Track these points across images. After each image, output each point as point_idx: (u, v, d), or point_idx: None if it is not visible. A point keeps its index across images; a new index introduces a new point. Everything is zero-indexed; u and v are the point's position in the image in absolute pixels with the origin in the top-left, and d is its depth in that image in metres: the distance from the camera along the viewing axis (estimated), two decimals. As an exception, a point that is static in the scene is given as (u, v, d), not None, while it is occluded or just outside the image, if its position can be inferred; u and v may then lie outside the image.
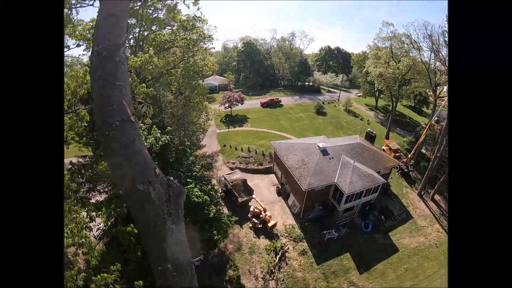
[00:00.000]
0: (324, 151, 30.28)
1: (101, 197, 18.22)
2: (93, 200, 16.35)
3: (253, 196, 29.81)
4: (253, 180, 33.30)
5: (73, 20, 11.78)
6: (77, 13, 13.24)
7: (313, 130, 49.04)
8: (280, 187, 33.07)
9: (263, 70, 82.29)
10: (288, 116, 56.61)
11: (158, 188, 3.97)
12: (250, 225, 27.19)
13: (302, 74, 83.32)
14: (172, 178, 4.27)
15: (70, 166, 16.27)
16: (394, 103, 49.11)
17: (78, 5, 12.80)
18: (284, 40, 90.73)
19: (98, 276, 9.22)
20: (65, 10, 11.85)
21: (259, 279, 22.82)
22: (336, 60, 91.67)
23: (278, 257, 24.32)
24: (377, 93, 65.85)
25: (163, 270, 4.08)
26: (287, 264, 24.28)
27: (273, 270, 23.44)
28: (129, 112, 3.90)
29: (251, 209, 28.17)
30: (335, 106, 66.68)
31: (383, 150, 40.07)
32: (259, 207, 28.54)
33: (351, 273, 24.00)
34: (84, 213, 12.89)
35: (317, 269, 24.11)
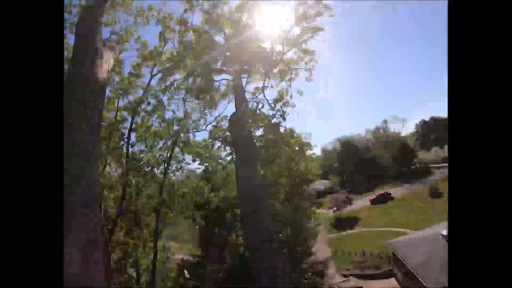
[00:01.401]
0: (450, 239, 24.75)
1: None
2: None
3: None
4: (371, 287, 29.12)
5: (190, 141, 15.88)
6: (194, 136, 17.35)
7: (431, 217, 41.34)
8: None
9: (365, 166, 79.61)
10: (401, 208, 50.48)
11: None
12: None
13: (405, 159, 76.63)
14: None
15: (179, 262, 18.55)
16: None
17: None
18: (378, 130, 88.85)
19: None
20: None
21: None
22: (435, 131, 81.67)
23: None
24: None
25: None
26: None
27: None
28: (273, 236, 4.92)
29: None
30: None
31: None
32: None
33: None
34: None
35: None
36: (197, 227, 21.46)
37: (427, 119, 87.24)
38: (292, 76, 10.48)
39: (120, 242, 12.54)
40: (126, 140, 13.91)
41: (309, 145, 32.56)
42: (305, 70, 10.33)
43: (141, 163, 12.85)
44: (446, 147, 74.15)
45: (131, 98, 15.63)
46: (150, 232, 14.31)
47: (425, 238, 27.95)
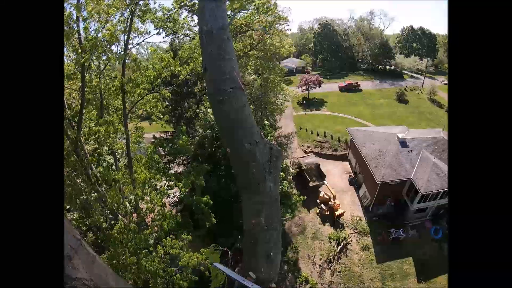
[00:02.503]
0: (403, 143, 27.92)
1: (179, 169, 20.68)
2: (172, 171, 18.72)
3: (325, 182, 29.35)
4: (326, 166, 32.65)
5: (152, 9, 13.36)
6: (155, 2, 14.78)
7: (393, 119, 45.21)
8: (353, 176, 31.96)
9: (341, 52, 78.06)
10: (367, 102, 53.23)
11: (262, 149, 4.40)
12: (318, 211, 27.18)
13: (382, 57, 75.91)
14: (272, 142, 5.07)
15: (152, 140, 19.46)
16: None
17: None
18: (362, 20, 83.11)
19: (168, 239, 10.90)
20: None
21: (317, 265, 22.96)
22: (420, 42, 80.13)
23: (339, 247, 23.98)
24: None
25: (256, 223, 4.54)
26: (347, 256, 23.79)
27: (332, 260, 23.25)
28: (239, 81, 4.36)
29: (321, 194, 27.96)
30: (418, 94, 59.80)
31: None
32: (329, 194, 28.12)
33: (409, 279, 22.19)
34: (164, 182, 15.31)
35: (376, 267, 22.98)
36: (166, 103, 20.95)
37: (416, 27, 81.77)
38: None
39: (91, 132, 11.87)
40: (76, 18, 10.95)
41: (285, 19, 29.99)
42: None
43: (97, 41, 10.63)
44: (425, 60, 74.04)
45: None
46: (119, 115, 13.55)
47: (382, 134, 30.41)
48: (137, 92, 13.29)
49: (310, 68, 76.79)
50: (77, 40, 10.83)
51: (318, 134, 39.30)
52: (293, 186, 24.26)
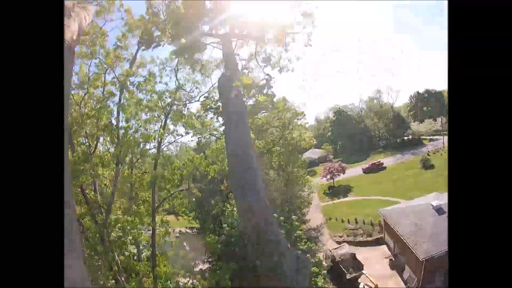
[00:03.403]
0: (439, 210, 26.05)
1: (204, 266, 19.80)
2: (196, 269, 18.22)
3: (363, 271, 26.86)
4: (362, 254, 30.28)
5: (184, 113, 15.45)
6: (188, 109, 17.20)
7: (422, 188, 42.77)
8: (393, 259, 29.14)
9: (358, 135, 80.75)
10: (393, 178, 51.93)
11: (289, 260, 4.46)
12: None
13: (398, 130, 77.81)
14: (300, 252, 5.14)
15: (178, 235, 19.22)
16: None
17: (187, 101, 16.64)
18: (372, 100, 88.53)
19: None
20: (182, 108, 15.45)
21: None
22: (429, 104, 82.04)
23: None
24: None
25: None
26: None
27: None
28: (265, 195, 4.74)
29: (361, 286, 25.44)
30: (441, 154, 58.13)
31: None
32: (370, 284, 25.47)
33: None
34: (188, 279, 14.55)
35: None
36: (193, 199, 21.66)
37: (421, 91, 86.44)
38: (288, 41, 9.96)
39: (119, 220, 12.58)
40: (116, 116, 13.46)
41: (302, 114, 32.70)
42: (303, 35, 9.81)
43: (134, 138, 12.53)
44: (439, 119, 75.40)
45: (118, 71, 14.93)
46: (147, 208, 14.35)
47: (415, 207, 28.87)
48: (167, 187, 14.34)
49: (332, 156, 78.71)
50: (116, 135, 12.70)
51: (349, 222, 37.70)
52: (329, 280, 22.15)
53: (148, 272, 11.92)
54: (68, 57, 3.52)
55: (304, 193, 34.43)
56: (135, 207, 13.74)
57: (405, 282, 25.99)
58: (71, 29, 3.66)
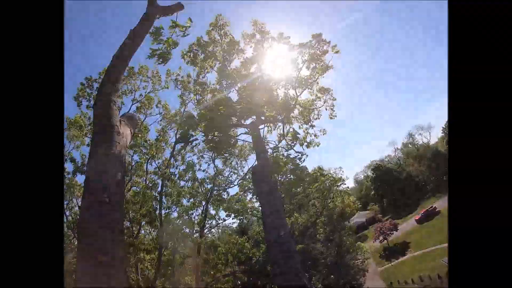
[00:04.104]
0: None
1: None
2: None
3: None
4: None
5: (224, 198, 15.90)
6: (228, 194, 17.67)
7: None
8: None
9: (402, 186, 75.46)
10: (451, 221, 46.01)
11: None
12: None
13: (441, 167, 70.86)
14: None
15: None
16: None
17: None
18: (406, 145, 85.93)
19: None
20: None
21: None
22: None
23: None
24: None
25: None
26: None
27: None
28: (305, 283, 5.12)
29: None
30: None
31: None
32: None
33: None
34: None
35: None
36: (238, 282, 20.69)
37: None
38: (312, 117, 10.58)
39: None
40: (158, 203, 14.24)
41: (341, 180, 31.79)
42: (326, 109, 10.49)
43: (175, 225, 12.99)
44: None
45: (159, 161, 16.24)
46: (192, 293, 13.98)
47: None
48: (212, 272, 14.11)
49: (380, 215, 73.17)
50: (158, 221, 13.13)
51: (413, 282, 34.01)
52: None
53: None
54: (119, 167, 3.75)
55: (358, 261, 31.64)
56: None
57: None
58: (120, 144, 4.00)
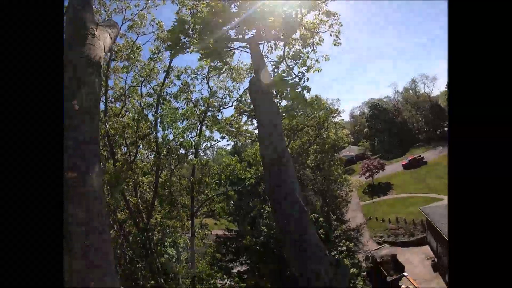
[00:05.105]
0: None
1: (242, 268, 20.11)
2: (234, 270, 18.55)
3: (404, 273, 25.99)
4: (404, 255, 29.50)
5: (219, 119, 16.04)
6: (222, 114, 17.83)
7: None
8: (436, 260, 27.92)
9: (396, 129, 76.98)
10: (435, 173, 48.67)
11: (326, 266, 4.44)
12: None
13: (438, 120, 72.73)
14: (339, 259, 5.19)
15: (215, 238, 19.72)
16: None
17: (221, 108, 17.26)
18: (407, 90, 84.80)
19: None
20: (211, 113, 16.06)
21: None
22: None
23: None
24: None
25: None
26: None
27: None
28: (302, 203, 4.74)
29: None
30: None
31: None
32: (411, 287, 24.63)
33: None
34: (226, 281, 14.90)
35: None
36: (231, 202, 22.13)
37: None
38: (315, 41, 9.85)
39: (159, 224, 13.22)
40: (154, 125, 14.23)
41: (337, 112, 32.03)
42: (330, 35, 9.67)
43: (172, 146, 13.20)
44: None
45: (154, 83, 15.76)
46: (186, 212, 14.96)
47: None
48: (205, 192, 14.83)
49: (370, 153, 75.82)
50: (155, 144, 13.42)
51: (389, 221, 36.46)
52: (368, 283, 21.48)
53: (187, 274, 12.37)
54: (94, 73, 3.58)
55: (343, 192, 33.68)
56: (175, 212, 14.39)
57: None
58: (95, 47, 3.82)
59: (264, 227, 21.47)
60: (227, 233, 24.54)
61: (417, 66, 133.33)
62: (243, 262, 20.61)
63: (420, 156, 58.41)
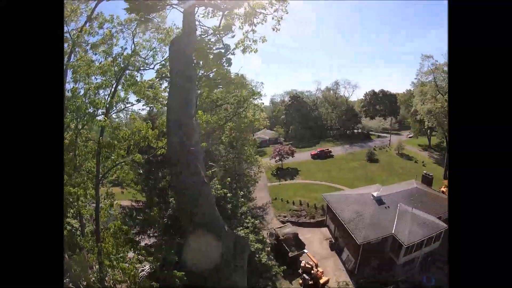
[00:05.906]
0: (379, 201, 28.78)
1: (149, 241, 19.44)
2: (142, 243, 17.78)
3: (305, 250, 28.57)
4: (305, 234, 32.20)
5: (138, 82, 14.38)
6: (142, 76, 16.10)
7: (366, 180, 46.67)
8: (333, 241, 31.47)
9: (311, 122, 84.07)
10: (339, 166, 55.25)
11: (227, 243, 4.33)
12: (301, 281, 25.59)
13: (350, 122, 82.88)
14: (240, 234, 4.96)
15: (121, 209, 18.52)
16: (448, 139, 45.64)
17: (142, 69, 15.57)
18: (328, 90, 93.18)
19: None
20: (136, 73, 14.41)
21: None
22: (382, 103, 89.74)
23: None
24: (428, 131, 62.81)
25: None
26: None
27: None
28: (203, 175, 4.42)
29: (302, 264, 26.87)
30: (386, 151, 64.33)
31: (443, 192, 36.07)
32: (311, 262, 27.14)
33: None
34: (132, 254, 14.18)
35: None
36: (140, 171, 20.72)
37: (377, 90, 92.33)
38: (257, 21, 9.63)
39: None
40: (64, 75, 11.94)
41: (259, 94, 32.63)
42: (272, 18, 9.48)
43: (82, 102, 11.31)
44: (388, 118, 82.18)
45: (72, 25, 13.18)
46: (91, 179, 13.31)
47: (358, 196, 31.22)
48: (112, 157, 13.35)
49: (283, 139, 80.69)
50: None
51: (293, 203, 39.37)
52: (272, 258, 23.41)
53: (92, 248, 11.25)
54: None
55: (252, 171, 35.05)
56: (79, 178, 12.69)
57: (344, 263, 28.23)
58: None
59: (172, 199, 20.87)
60: (134, 203, 23.06)
61: (345, 73, 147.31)
62: (150, 235, 19.70)
63: (328, 149, 64.42)
